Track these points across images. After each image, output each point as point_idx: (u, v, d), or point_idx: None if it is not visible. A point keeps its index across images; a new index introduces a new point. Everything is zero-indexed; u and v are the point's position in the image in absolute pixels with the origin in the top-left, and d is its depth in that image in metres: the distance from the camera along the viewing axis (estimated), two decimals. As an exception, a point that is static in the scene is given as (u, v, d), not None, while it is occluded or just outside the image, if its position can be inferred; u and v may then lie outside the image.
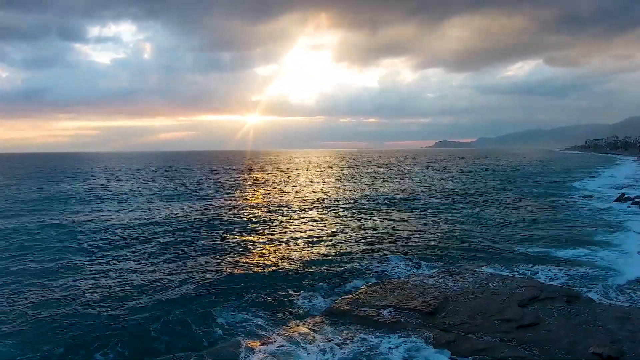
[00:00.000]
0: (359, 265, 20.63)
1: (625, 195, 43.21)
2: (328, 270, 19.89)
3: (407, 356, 11.95)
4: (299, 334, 13.44)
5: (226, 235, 27.48)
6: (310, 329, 13.83)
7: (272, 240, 26.41)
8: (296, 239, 26.81)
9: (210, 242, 25.64)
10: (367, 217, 34.92)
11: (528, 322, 13.44)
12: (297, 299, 16.71)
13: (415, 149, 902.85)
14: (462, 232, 28.45)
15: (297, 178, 77.91)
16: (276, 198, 47.19)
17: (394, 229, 29.49)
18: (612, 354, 11.33)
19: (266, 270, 19.92)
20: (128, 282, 18.17)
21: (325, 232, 28.63)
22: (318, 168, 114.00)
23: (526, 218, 34.16)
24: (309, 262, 21.19)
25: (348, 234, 28.02)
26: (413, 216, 35.14)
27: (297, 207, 40.10)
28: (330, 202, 42.85)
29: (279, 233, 28.53)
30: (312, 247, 24.84)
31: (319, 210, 38.54)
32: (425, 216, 35.16)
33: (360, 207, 39.40)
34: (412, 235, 27.67)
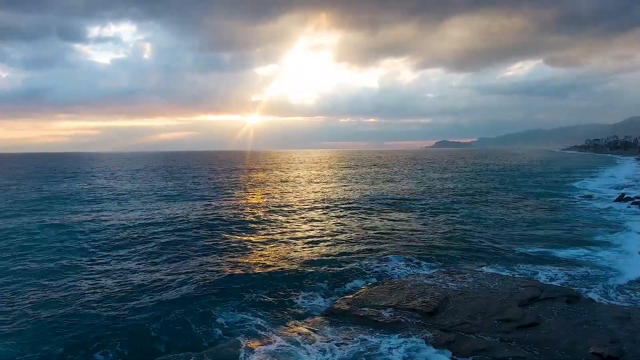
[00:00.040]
0: (359, 265, 20.62)
1: (625, 196, 43.21)
2: (328, 270, 19.88)
3: (407, 356, 11.94)
4: (299, 334, 13.44)
5: (226, 235, 27.49)
6: (310, 329, 13.82)
7: (272, 240, 26.40)
8: (296, 239, 26.80)
9: (210, 242, 25.64)
10: (367, 217, 34.92)
11: (528, 322, 13.44)
12: (297, 299, 16.70)
13: (415, 149, 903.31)
14: (462, 232, 28.45)
15: (297, 178, 77.91)
16: (276, 198, 47.19)
17: (394, 229, 29.49)
18: (612, 354, 11.33)
19: (266, 270, 19.91)
20: (128, 282, 18.16)
21: (325, 232, 28.63)
22: (318, 168, 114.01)
23: (526, 218, 34.16)
24: (309, 262, 21.19)
25: (348, 234, 28.02)
26: (413, 216, 35.14)
27: (297, 207, 40.10)
28: (330, 202, 42.84)
29: (279, 233, 28.53)
30: (312, 247, 24.84)
31: (319, 210, 38.54)
32: (425, 216, 35.16)
33: (360, 207, 39.39)
34: (412, 235, 27.67)
